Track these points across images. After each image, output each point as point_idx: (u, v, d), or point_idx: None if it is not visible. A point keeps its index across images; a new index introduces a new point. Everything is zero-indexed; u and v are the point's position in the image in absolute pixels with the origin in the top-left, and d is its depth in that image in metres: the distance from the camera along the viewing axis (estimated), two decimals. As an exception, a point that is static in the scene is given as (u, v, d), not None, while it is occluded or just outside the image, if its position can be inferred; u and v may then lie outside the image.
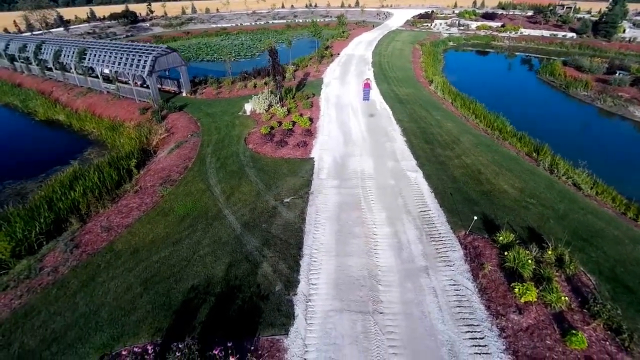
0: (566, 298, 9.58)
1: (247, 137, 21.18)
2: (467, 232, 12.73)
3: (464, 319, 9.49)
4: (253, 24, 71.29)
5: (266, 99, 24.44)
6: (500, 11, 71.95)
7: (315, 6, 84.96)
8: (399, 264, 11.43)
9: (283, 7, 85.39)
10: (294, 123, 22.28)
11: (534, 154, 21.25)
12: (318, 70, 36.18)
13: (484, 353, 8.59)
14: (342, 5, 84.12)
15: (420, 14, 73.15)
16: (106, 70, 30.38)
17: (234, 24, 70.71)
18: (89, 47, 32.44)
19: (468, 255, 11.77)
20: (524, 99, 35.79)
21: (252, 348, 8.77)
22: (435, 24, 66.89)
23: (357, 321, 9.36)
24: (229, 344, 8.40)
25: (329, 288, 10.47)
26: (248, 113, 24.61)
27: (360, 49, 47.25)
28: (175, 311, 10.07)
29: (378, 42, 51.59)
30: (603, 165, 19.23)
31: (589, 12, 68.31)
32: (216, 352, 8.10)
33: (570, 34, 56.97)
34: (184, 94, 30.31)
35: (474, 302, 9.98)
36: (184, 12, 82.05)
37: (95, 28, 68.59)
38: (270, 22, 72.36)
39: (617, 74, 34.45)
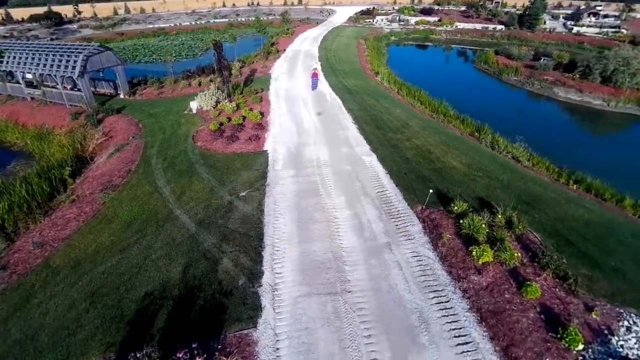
0: (518, 254, 10.18)
1: (195, 135, 20.20)
2: (424, 207, 13.11)
3: (429, 286, 9.71)
4: (193, 23, 68.59)
5: (213, 95, 23.51)
6: (436, 7, 75.96)
7: (258, 4, 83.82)
8: (362, 243, 11.46)
9: (224, 5, 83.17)
10: (244, 118, 21.65)
11: (476, 134, 22.55)
12: (265, 66, 35.61)
13: (450, 314, 8.84)
14: (285, 3, 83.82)
15: (362, 10, 75.01)
16: (29, 75, 27.43)
17: (172, 24, 67.48)
18: (7, 49, 29.06)
19: (426, 228, 12.11)
20: (463, 85, 37.99)
21: (220, 347, 8.27)
22: (377, 20, 68.90)
23: (326, 303, 9.20)
24: (194, 345, 7.82)
25: (295, 275, 10.20)
26: (194, 111, 23.52)
27: (306, 44, 47.29)
28: (130, 322, 9.22)
29: (323, 38, 51.99)
30: (536, 139, 20.79)
31: (514, 7, 74.29)
32: (180, 355, 7.50)
33: (499, 26, 61.50)
34: (121, 96, 28.25)
35: (436, 270, 10.26)
36: (116, 13, 76.84)
37: (13, 31, 61.90)
38: (212, 21, 70.08)
39: (541, 60, 37.70)
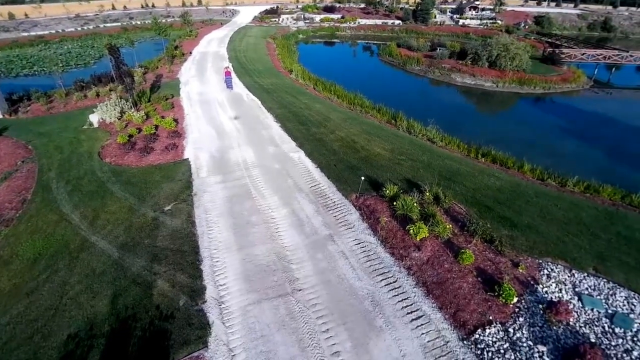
0: (450, 226, 10.96)
1: (102, 151, 17.88)
2: (358, 195, 13.40)
3: (375, 270, 9.91)
4: (79, 29, 60.78)
5: (116, 105, 21.05)
6: (338, 4, 78.76)
7: (153, 6, 77.52)
8: (305, 239, 11.26)
9: (114, 8, 75.13)
10: (156, 127, 19.82)
11: (393, 121, 23.96)
12: (171, 70, 33.18)
13: (400, 293, 9.13)
14: (184, 5, 78.94)
15: (267, 9, 74.43)
16: None
17: (53, 31, 58.88)
18: None
19: (364, 215, 12.38)
20: (373, 77, 40.08)
21: (167, 377, 7.36)
22: (283, 19, 69.03)
23: (278, 306, 8.80)
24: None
25: (240, 283, 9.58)
26: (96, 125, 20.83)
27: (213, 46, 45.28)
28: (50, 374, 7.74)
29: (230, 39, 50.35)
30: (444, 121, 22.74)
31: (407, 3, 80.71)
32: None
33: (397, 22, 66.31)
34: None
35: (379, 253, 10.53)
36: (-26, 21, 64.22)
37: None
38: (101, 25, 62.92)
39: (438, 50, 41.50)
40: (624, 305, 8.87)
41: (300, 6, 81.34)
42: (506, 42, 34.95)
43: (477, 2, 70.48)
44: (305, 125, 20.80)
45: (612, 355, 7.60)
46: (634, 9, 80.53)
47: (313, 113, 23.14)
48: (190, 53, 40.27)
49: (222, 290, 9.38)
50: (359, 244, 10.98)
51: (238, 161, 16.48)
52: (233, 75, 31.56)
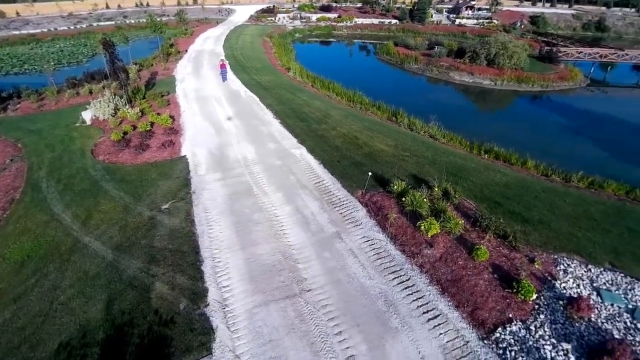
0: (462, 222, 10.54)
1: (95, 149, 17.24)
2: (364, 191, 12.95)
3: (386, 268, 9.46)
4: (72, 27, 59.54)
5: (110, 102, 20.39)
6: (334, 4, 78.20)
7: (148, 5, 76.40)
8: (311, 237, 10.78)
9: (108, 7, 73.83)
10: (152, 124, 19.21)
11: (393, 118, 23.58)
12: (167, 68, 32.50)
13: (414, 292, 8.68)
14: (179, 3, 77.84)
15: (263, 9, 73.66)
16: None
17: (45, 29, 57.60)
18: None
19: (371, 211, 11.93)
20: (371, 75, 39.73)
21: (168, 386, 6.84)
22: (279, 18, 68.44)
23: (286, 308, 8.30)
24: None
25: (245, 284, 9.07)
26: (89, 122, 20.16)
27: (209, 44, 44.58)
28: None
29: (227, 37, 49.66)
30: (444, 118, 22.32)
31: (403, 3, 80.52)
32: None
33: (394, 21, 66.00)
34: (-14, 114, 22.93)
35: (390, 250, 10.08)
36: (-37, 20, 62.73)
37: None
38: (95, 24, 61.70)
39: (436, 48, 41.24)
40: (646, 302, 8.52)
41: (296, 5, 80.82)
42: (504, 40, 34.80)
43: (473, 2, 70.55)
44: (306, 121, 20.32)
45: (639, 351, 7.22)
46: (627, 9, 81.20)
47: (313, 110, 22.67)
48: (186, 51, 39.58)
49: (226, 292, 8.86)
50: (368, 241, 10.52)
51: (238, 158, 15.95)
52: (229, 70, 31.09)
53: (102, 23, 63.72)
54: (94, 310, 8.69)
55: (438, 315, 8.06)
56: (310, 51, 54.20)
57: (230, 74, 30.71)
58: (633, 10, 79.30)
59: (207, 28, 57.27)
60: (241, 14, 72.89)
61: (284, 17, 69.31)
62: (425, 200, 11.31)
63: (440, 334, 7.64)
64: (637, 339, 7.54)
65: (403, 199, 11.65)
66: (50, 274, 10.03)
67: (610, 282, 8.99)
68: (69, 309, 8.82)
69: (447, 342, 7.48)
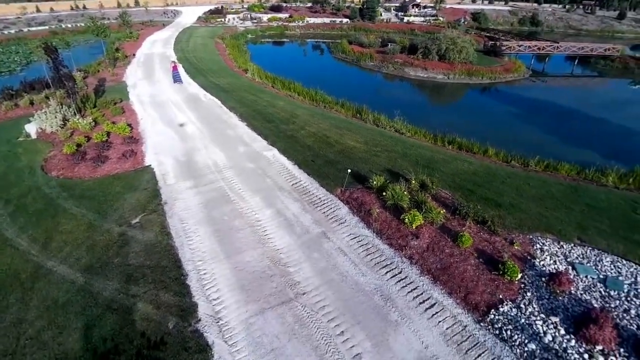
0: (443, 211, 10.89)
1: (46, 164, 15.72)
2: (343, 188, 12.97)
3: (377, 263, 9.52)
4: (-3, 34, 54.14)
5: (57, 112, 18.70)
6: (284, 4, 77.80)
7: (85, 8, 71.05)
8: (297, 240, 10.59)
9: (39, 11, 67.35)
10: (108, 133, 17.89)
11: (358, 115, 23.90)
12: (115, 74, 30.49)
13: (408, 284, 8.82)
14: (119, 6, 73.19)
15: (211, 10, 71.54)
16: None
17: (-37, 37, 51.85)
18: None
19: (353, 208, 11.96)
20: (330, 74, 40.01)
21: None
22: (229, 19, 66.86)
23: (284, 314, 8.07)
24: None
25: (236, 294, 8.69)
26: (34, 136, 18.35)
27: (158, 47, 42.48)
28: None
29: (176, 40, 47.64)
30: (406, 112, 22.99)
31: (352, 1, 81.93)
32: None
33: (345, 20, 67.01)
34: None
35: (378, 245, 10.17)
36: None
37: None
38: (25, 29, 56.18)
39: (389, 46, 42.37)
40: (612, 269, 9.32)
41: (245, 6, 79.41)
42: (453, 36, 36.60)
43: (418, 0, 73.51)
44: (273, 122, 19.98)
45: (615, 316, 7.86)
46: (555, 5, 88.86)
47: (278, 110, 22.36)
48: (134, 55, 37.39)
49: (217, 304, 8.43)
50: (355, 238, 10.53)
51: (208, 164, 15.31)
52: (184, 73, 30.02)
53: (33, 28, 58.38)
54: (70, 341, 7.89)
55: (434, 304, 8.24)
56: (264, 52, 53.52)
57: (186, 77, 29.53)
58: (560, 6, 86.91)
59: (153, 31, 54.62)
60: (188, 16, 70.32)
61: (233, 18, 67.87)
62: (405, 193, 11.54)
63: (439, 321, 7.82)
64: (612, 305, 8.22)
65: (384, 193, 11.81)
66: (11, 306, 8.97)
67: (581, 256, 9.73)
68: (40, 342, 7.94)
69: (447, 328, 7.68)
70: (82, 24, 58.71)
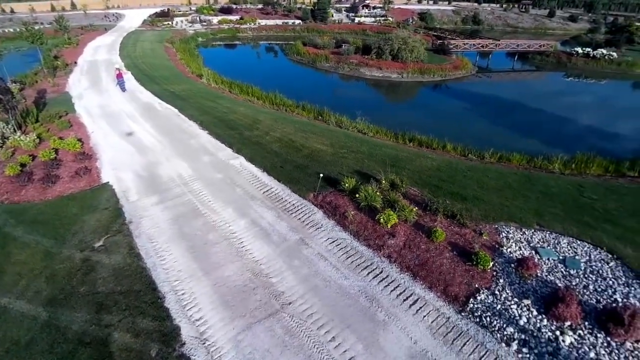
0: (415, 209, 11.29)
1: (-15, 189, 14.23)
2: (316, 193, 13.01)
3: (358, 265, 9.68)
4: None
5: (-7, 130, 16.98)
6: (234, 5, 76.24)
7: (12, 12, 64.78)
8: (275, 249, 10.47)
9: (-46, 16, 60.75)
10: (56, 150, 16.55)
11: (320, 117, 24.09)
12: (56, 84, 28.20)
13: (390, 282, 9.05)
14: (53, 9, 67.52)
15: (157, 12, 68.37)
16: None
17: None
18: None
19: (327, 212, 12.05)
20: (286, 76, 39.96)
21: None
22: (177, 22, 64.34)
23: (272, 326, 7.95)
24: None
25: (220, 312, 8.43)
26: (-33, 158, 16.51)
27: (102, 54, 39.91)
28: None
29: (121, 45, 45.02)
30: (366, 112, 23.48)
31: (303, 3, 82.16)
32: None
33: (297, 21, 67.12)
34: None
35: (356, 247, 10.33)
36: None
37: None
38: (-61, 38, 50.45)
39: (344, 47, 43.05)
40: (569, 250, 10.21)
41: (193, 8, 76.82)
42: (404, 36, 38.01)
43: (367, 1, 75.38)
44: (236, 129, 19.57)
45: (577, 293, 8.62)
46: (494, 5, 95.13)
47: (239, 116, 21.93)
48: (76, 63, 34.83)
49: (201, 325, 8.12)
50: (333, 242, 10.62)
51: (172, 177, 14.67)
52: (133, 80, 28.62)
53: (-49, 35, 52.41)
54: (40, 384, 7.24)
55: (417, 300, 8.54)
56: (217, 55, 52.24)
57: (137, 85, 28.11)
58: (498, 5, 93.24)
59: (95, 36, 51.27)
60: (132, 19, 66.76)
61: (182, 21, 65.51)
62: (377, 193, 11.82)
63: (424, 316, 8.12)
64: (573, 283, 9.01)
65: (356, 195, 12.01)
66: (-39, 353, 8.04)
67: (542, 240, 10.55)
68: (5, 390, 7.21)
69: (432, 322, 7.99)
70: (11, 30, 53.85)
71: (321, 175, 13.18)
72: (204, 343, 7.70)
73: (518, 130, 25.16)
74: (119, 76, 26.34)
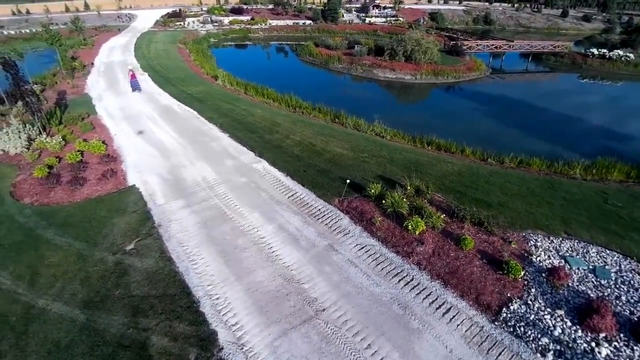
0: (443, 216, 11.34)
1: (15, 191, 14.55)
2: (342, 198, 13.12)
3: (389, 272, 9.77)
4: None
5: (20, 132, 17.35)
6: (245, 6, 76.59)
7: (28, 13, 65.88)
8: (305, 254, 10.60)
9: (-28, 17, 62.01)
10: (82, 152, 16.86)
11: (337, 119, 24.13)
12: (75, 85, 28.67)
13: (421, 290, 9.13)
14: (67, 10, 68.57)
15: (169, 13, 68.95)
16: None
17: None
18: None
19: (354, 218, 12.14)
20: (300, 78, 40.06)
21: None
22: (189, 22, 64.82)
23: (308, 332, 8.09)
24: None
25: (256, 317, 8.58)
26: (-5, 159, 16.91)
27: (117, 55, 40.40)
28: None
29: (136, 46, 45.51)
30: (381, 114, 23.46)
31: (313, 3, 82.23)
32: None
33: (308, 22, 67.18)
34: None
35: (386, 254, 10.42)
36: None
37: None
38: (-42, 38, 51.50)
39: (356, 48, 42.99)
40: (598, 259, 10.18)
41: (205, 8, 77.30)
42: (418, 37, 37.85)
43: (378, 1, 75.19)
44: (256, 132, 19.74)
45: (610, 304, 8.62)
46: (505, 4, 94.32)
47: (258, 119, 22.10)
48: (92, 64, 35.34)
49: (237, 330, 8.28)
50: (362, 248, 10.72)
51: (197, 180, 14.88)
52: (151, 82, 29.06)
53: (-31, 36, 53.41)
54: (84, 386, 7.45)
55: (450, 308, 8.61)
56: (230, 56, 52.51)
57: (154, 87, 28.45)
58: (509, 5, 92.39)
59: (109, 37, 51.86)
60: (145, 20, 67.41)
61: (193, 22, 65.96)
62: (404, 200, 11.88)
63: (458, 325, 8.19)
64: (605, 293, 9.00)
65: (383, 201, 12.09)
66: (5, 354, 8.29)
67: (570, 249, 10.54)
68: (50, 391, 7.43)
69: (466, 331, 8.06)
70: (28, 30, 54.71)
71: (348, 181, 13.27)
72: (241, 348, 7.86)
73: (535, 132, 24.94)
74: (132, 77, 26.83)
